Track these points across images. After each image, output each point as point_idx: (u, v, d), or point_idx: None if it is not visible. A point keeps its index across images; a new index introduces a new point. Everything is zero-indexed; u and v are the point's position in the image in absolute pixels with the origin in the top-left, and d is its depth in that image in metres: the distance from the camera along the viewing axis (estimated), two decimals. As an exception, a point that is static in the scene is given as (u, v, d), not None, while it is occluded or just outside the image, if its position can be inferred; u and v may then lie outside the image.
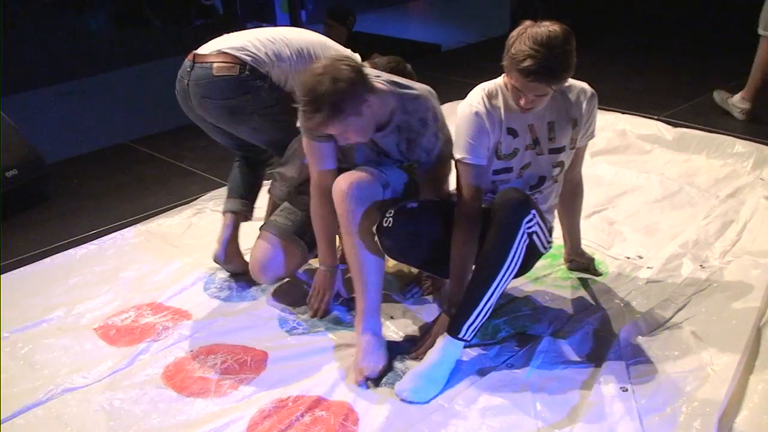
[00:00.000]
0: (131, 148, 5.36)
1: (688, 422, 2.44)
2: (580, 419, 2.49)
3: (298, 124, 2.90)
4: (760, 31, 4.93)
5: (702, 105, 5.32)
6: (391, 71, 3.10)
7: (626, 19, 7.35)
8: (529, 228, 2.70)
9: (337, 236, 3.11)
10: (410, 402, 2.65)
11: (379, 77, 2.85)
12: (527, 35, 2.56)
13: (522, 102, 2.68)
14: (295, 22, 9.25)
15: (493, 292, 2.68)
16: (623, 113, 5.02)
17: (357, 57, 3.16)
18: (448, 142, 2.93)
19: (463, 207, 2.82)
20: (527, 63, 2.54)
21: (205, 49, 3.27)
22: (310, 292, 3.21)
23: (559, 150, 2.90)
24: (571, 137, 2.90)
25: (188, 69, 3.25)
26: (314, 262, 3.31)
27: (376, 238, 2.81)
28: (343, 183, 2.83)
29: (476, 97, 2.82)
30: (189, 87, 3.25)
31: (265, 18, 9.28)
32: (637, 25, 7.29)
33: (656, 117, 5.01)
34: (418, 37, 8.61)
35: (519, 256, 2.69)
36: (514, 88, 2.68)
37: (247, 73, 3.16)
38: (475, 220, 2.80)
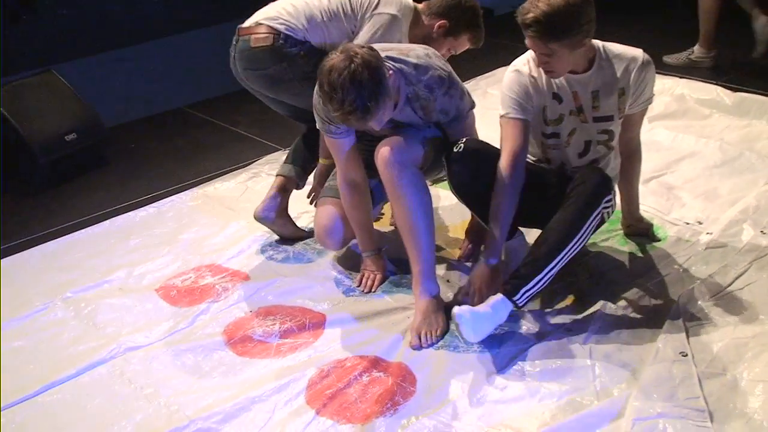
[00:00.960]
0: (186, 113, 5.42)
1: (749, 388, 2.42)
2: (640, 384, 2.48)
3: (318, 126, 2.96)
4: None
5: (762, 69, 5.20)
6: (449, 10, 3.22)
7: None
8: (606, 206, 2.77)
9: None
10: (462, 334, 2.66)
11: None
12: None
13: (537, 62, 2.71)
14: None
15: (557, 263, 2.71)
16: (681, 77, 4.92)
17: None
18: (464, 95, 2.95)
19: (504, 161, 2.85)
20: (525, 16, 2.61)
21: (248, 22, 3.31)
22: (359, 276, 3.20)
23: (606, 119, 2.90)
24: (619, 107, 2.88)
25: (234, 43, 3.32)
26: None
27: (445, 169, 2.87)
28: (384, 150, 2.83)
29: (522, 60, 2.89)
30: (236, 60, 3.32)
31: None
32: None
33: (715, 82, 4.91)
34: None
35: (590, 232, 2.76)
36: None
37: (281, 42, 3.19)
38: (516, 176, 2.84)
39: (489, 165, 2.85)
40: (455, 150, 2.85)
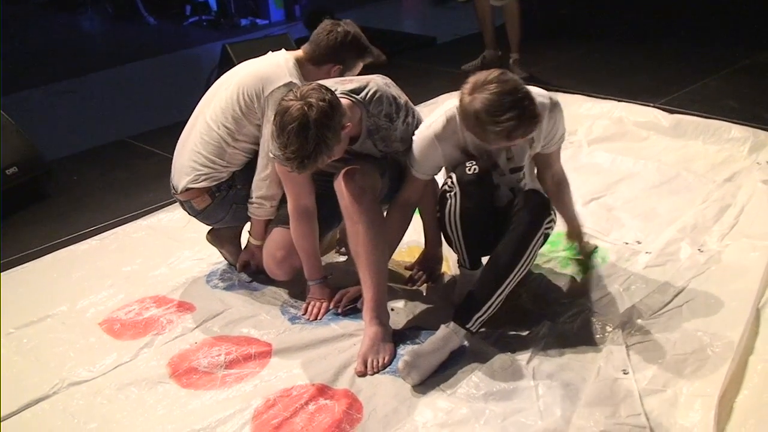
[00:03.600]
0: (129, 144, 5.37)
1: (689, 403, 2.47)
2: (583, 402, 2.52)
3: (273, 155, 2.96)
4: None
5: (698, 91, 5.34)
6: (335, 52, 3.17)
7: (622, 7, 7.36)
8: (547, 227, 2.83)
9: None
10: (408, 381, 2.68)
11: (336, 90, 2.82)
12: (489, 93, 2.58)
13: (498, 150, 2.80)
14: (290, 17, 9.26)
15: (506, 287, 2.77)
16: (619, 101, 5.02)
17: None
18: (420, 123, 2.99)
19: (402, 196, 3.04)
20: (505, 127, 2.57)
21: (174, 179, 3.31)
22: (305, 304, 3.20)
23: (520, 169, 2.97)
24: (529, 153, 2.96)
25: (181, 202, 3.36)
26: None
27: (456, 189, 2.84)
28: (345, 178, 2.87)
29: (438, 121, 2.89)
30: (197, 217, 3.38)
31: (260, 14, 9.28)
32: (632, 13, 7.30)
33: (652, 104, 5.02)
34: (413, 30, 8.62)
35: (534, 254, 2.82)
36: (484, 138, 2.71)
37: (217, 192, 3.24)
38: (411, 208, 3.09)
39: (492, 192, 2.92)
40: (468, 172, 2.81)
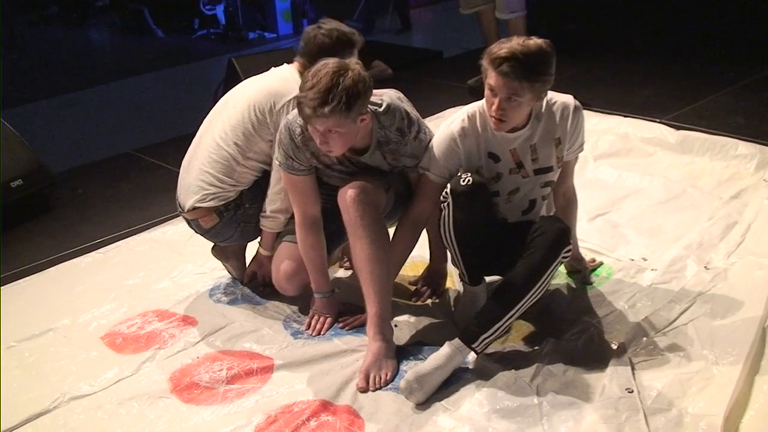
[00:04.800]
0: (135, 156, 5.37)
1: (693, 423, 2.44)
2: (586, 421, 2.50)
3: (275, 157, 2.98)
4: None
5: (704, 108, 5.32)
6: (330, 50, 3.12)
7: (629, 22, 7.35)
8: (565, 256, 2.81)
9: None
10: (411, 400, 2.66)
11: None
12: (508, 38, 2.68)
13: (493, 108, 2.72)
14: (297, 31, 9.27)
15: (517, 311, 2.76)
16: (625, 116, 5.01)
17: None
18: (431, 137, 2.98)
19: (413, 211, 3.01)
20: (498, 52, 2.63)
21: (181, 198, 3.30)
22: (309, 318, 3.19)
23: (547, 170, 2.95)
24: (557, 155, 2.94)
25: (188, 221, 3.35)
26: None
27: (449, 200, 2.83)
28: (349, 191, 2.86)
29: (457, 119, 2.90)
30: (204, 236, 3.36)
31: (268, 27, 9.31)
32: (639, 29, 7.29)
33: (659, 120, 5.01)
34: (420, 44, 8.63)
35: (549, 282, 2.80)
36: (488, 94, 2.73)
37: (225, 211, 3.22)
38: (421, 225, 3.06)
39: (489, 207, 2.91)
40: (462, 183, 2.79)
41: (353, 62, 2.74)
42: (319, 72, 2.66)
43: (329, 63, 2.69)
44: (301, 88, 2.70)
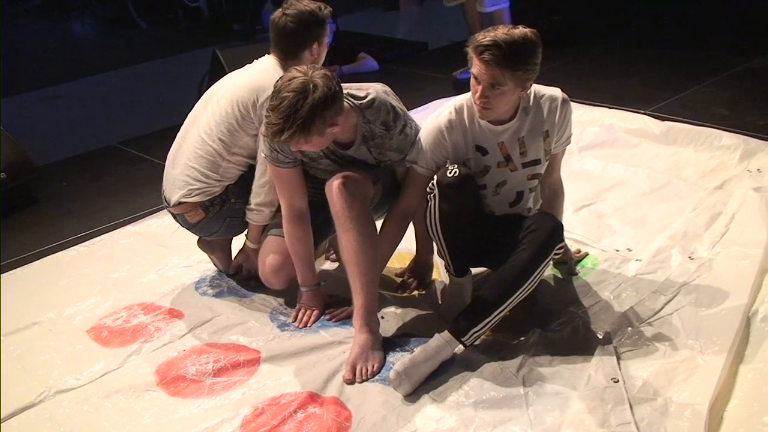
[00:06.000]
0: (119, 149, 5.35)
1: (678, 411, 2.46)
2: (572, 410, 2.51)
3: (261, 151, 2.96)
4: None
5: (688, 99, 5.34)
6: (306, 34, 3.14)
7: (614, 14, 7.37)
8: (557, 253, 2.85)
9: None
10: (399, 392, 2.66)
11: None
12: (495, 27, 2.69)
13: (477, 96, 2.73)
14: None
15: (507, 306, 2.78)
16: (610, 108, 5.01)
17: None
18: (418, 133, 2.98)
19: (401, 204, 3.01)
20: (482, 40, 2.63)
21: (166, 192, 3.29)
22: (296, 310, 3.19)
23: (535, 162, 2.95)
24: (545, 148, 2.94)
25: (174, 216, 3.35)
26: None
27: (436, 191, 2.83)
28: (337, 182, 2.85)
29: (445, 112, 2.90)
30: (191, 229, 3.34)
31: (252, 20, 9.27)
32: (623, 21, 7.31)
33: (643, 111, 5.02)
34: (406, 36, 8.62)
35: (539, 278, 2.82)
36: (473, 81, 2.74)
37: (211, 206, 3.21)
38: (408, 218, 3.07)
39: (475, 199, 2.90)
40: (449, 175, 2.79)
41: (318, 76, 2.65)
42: (281, 91, 2.62)
43: (294, 81, 2.62)
44: (269, 99, 2.68)
